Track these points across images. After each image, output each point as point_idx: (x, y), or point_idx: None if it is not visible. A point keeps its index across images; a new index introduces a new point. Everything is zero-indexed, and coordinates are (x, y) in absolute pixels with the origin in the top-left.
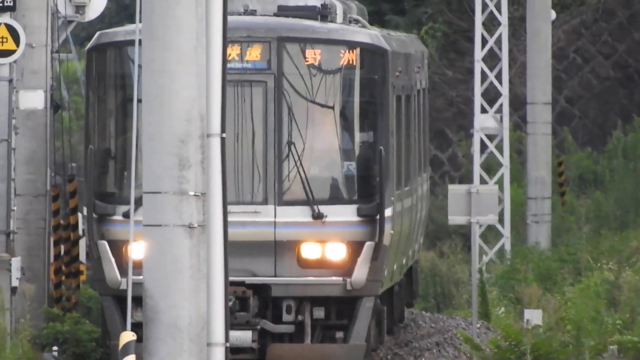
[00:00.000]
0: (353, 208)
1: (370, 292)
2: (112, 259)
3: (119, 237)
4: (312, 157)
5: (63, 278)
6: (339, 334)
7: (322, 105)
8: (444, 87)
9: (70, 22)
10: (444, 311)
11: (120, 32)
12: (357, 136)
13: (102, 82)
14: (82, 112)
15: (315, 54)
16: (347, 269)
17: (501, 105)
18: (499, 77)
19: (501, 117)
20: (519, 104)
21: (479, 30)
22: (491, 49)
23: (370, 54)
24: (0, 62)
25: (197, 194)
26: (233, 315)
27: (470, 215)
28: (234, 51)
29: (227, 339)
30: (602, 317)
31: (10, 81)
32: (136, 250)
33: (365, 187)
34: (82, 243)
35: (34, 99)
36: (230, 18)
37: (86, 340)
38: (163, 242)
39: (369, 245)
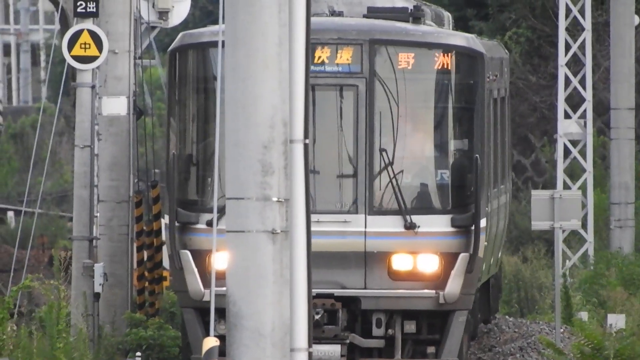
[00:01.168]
0: (447, 218)
1: (464, 306)
2: (195, 270)
3: (203, 246)
4: (404, 165)
5: (146, 284)
6: (431, 349)
7: (415, 111)
8: (527, 93)
9: (153, 28)
10: (527, 316)
11: (205, 33)
12: (452, 143)
13: (184, 85)
14: (165, 118)
15: (408, 57)
16: (439, 282)
17: (585, 110)
18: (582, 82)
19: (585, 123)
20: (602, 109)
21: (562, 35)
22: (575, 54)
23: (466, 58)
24: (83, 69)
25: (280, 199)
26: (321, 328)
27: (553, 220)
28: (324, 54)
29: (310, 344)
30: None
31: (93, 87)
32: (219, 261)
33: (460, 196)
34: (165, 249)
35: (117, 105)
36: (319, 19)
37: (169, 346)
38: (246, 248)
39: (463, 257)
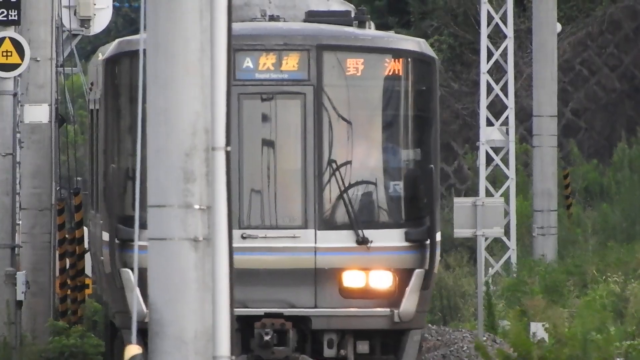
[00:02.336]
0: (400, 232)
1: (419, 325)
2: (137, 290)
3: (145, 264)
4: (355, 176)
5: (69, 292)
6: None
7: (366, 119)
8: (449, 100)
9: (75, 35)
10: (450, 324)
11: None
12: (404, 153)
13: (121, 94)
14: (87, 125)
15: (357, 63)
16: (394, 299)
17: (507, 117)
18: (504, 89)
19: (507, 130)
20: (524, 116)
21: (484, 42)
22: (497, 62)
23: (419, 63)
24: (4, 76)
25: (202, 207)
26: (271, 349)
27: (476, 227)
28: (268, 60)
29: (232, 352)
30: (608, 330)
31: (15, 95)
32: None
33: (414, 209)
34: (88, 257)
35: (39, 113)
36: (262, 24)
37: (92, 354)
38: (168, 255)
39: (418, 273)
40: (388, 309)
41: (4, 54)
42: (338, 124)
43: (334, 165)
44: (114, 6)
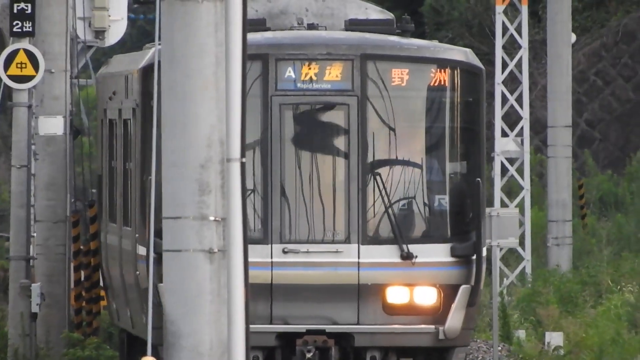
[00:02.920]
0: (446, 247)
1: (464, 342)
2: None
3: None
4: (399, 190)
5: (84, 304)
6: None
7: (411, 131)
8: None
9: (89, 47)
10: None
11: None
12: (450, 166)
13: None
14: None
15: (402, 73)
16: (439, 316)
17: (522, 128)
18: (519, 100)
19: (522, 141)
20: (539, 127)
21: (499, 53)
22: (512, 72)
23: (466, 74)
24: (19, 88)
25: (217, 218)
26: None
27: (491, 238)
28: (311, 70)
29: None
30: (623, 339)
31: (30, 107)
32: None
33: (459, 223)
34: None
35: (53, 125)
36: (306, 33)
37: None
38: (184, 267)
39: (464, 289)
40: (433, 326)
41: (19, 65)
42: (382, 136)
43: (378, 179)
44: (128, 18)
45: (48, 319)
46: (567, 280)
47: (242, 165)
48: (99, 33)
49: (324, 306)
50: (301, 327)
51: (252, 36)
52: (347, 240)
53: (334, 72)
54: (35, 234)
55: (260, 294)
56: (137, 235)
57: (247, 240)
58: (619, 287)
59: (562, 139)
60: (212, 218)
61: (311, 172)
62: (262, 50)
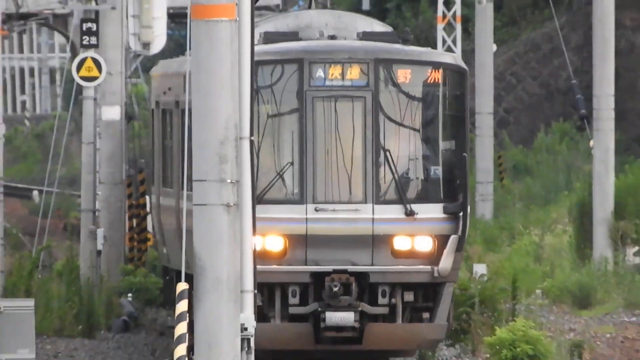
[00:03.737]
0: (440, 206)
1: (453, 279)
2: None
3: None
4: (404, 163)
5: (135, 244)
6: (425, 315)
7: (412, 117)
8: None
9: (138, 55)
10: None
11: (259, 52)
12: (442, 144)
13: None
14: (148, 122)
15: (406, 73)
16: (434, 259)
17: None
18: None
19: None
20: (470, 114)
21: None
22: None
23: (454, 73)
24: (87, 85)
25: (232, 181)
26: (338, 298)
27: None
28: (336, 70)
29: (255, 287)
30: (530, 269)
31: (95, 99)
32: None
33: (450, 188)
34: (149, 218)
35: (112, 113)
36: (331, 42)
37: (153, 289)
38: (209, 217)
39: (453, 238)
40: (429, 267)
41: (87, 69)
42: (391, 121)
43: (388, 154)
44: (167, 33)
45: (109, 255)
46: (490, 226)
47: (251, 142)
48: (145, 45)
49: (346, 252)
50: (329, 268)
51: (289, 44)
52: (363, 201)
53: (354, 72)
54: (99, 193)
55: (298, 243)
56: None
57: (255, 197)
58: (527, 231)
59: (486, 123)
60: (229, 181)
61: (336, 149)
62: (299, 55)
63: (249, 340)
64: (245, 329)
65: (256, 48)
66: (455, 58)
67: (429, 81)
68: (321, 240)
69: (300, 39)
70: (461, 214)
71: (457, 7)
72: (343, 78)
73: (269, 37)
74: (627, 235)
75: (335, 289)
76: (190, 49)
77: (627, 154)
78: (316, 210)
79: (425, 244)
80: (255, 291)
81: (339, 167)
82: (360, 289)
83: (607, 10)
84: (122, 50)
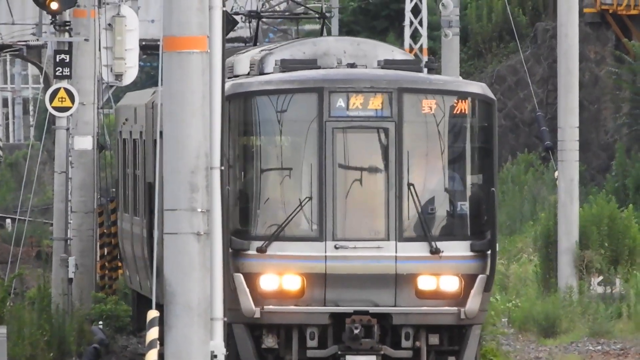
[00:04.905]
0: (466, 244)
1: (480, 320)
2: (247, 291)
3: (253, 270)
4: (428, 197)
5: (106, 272)
6: (451, 359)
7: (438, 150)
8: None
9: (111, 86)
10: None
11: (254, 83)
12: (469, 178)
13: (235, 128)
14: (118, 150)
15: (431, 103)
16: (460, 300)
17: None
18: None
19: None
20: None
21: None
22: None
23: (482, 104)
24: (60, 116)
25: (203, 210)
26: (359, 341)
27: None
28: (357, 100)
29: (225, 315)
30: (496, 298)
31: (68, 129)
32: (265, 282)
33: (477, 224)
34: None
35: (84, 142)
36: (353, 70)
37: (123, 317)
38: (179, 245)
39: (481, 278)
40: (456, 308)
41: (60, 99)
42: (415, 154)
43: (412, 188)
44: (139, 65)
45: (80, 283)
46: None
47: (221, 172)
48: (118, 76)
49: (368, 292)
50: (349, 309)
51: (307, 72)
52: (386, 238)
53: (376, 102)
54: (71, 221)
55: (317, 282)
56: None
57: (225, 226)
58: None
59: None
60: (199, 210)
61: (357, 183)
62: (318, 84)
63: None
64: (215, 356)
65: (273, 76)
66: (483, 88)
67: (455, 112)
68: (341, 280)
69: (319, 67)
70: (489, 251)
71: (424, 40)
72: (365, 108)
73: (286, 65)
74: (592, 265)
75: (356, 331)
76: (161, 80)
77: (591, 184)
78: (336, 247)
79: (451, 283)
80: (225, 319)
81: (360, 202)
82: (383, 331)
83: (571, 43)
84: (94, 81)
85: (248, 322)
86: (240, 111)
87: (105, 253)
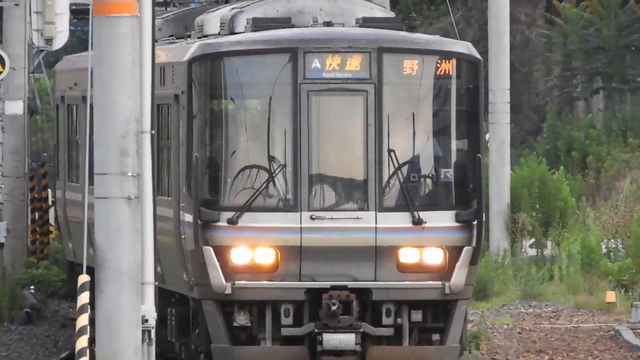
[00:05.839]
0: (451, 214)
1: (466, 296)
2: (218, 265)
3: (224, 242)
4: (410, 164)
5: (37, 236)
6: (435, 337)
7: (420, 114)
8: None
9: (41, 51)
10: None
11: (223, 43)
12: (454, 144)
13: (203, 92)
14: (51, 116)
15: (413, 64)
16: (445, 273)
17: None
18: None
19: None
20: None
21: None
22: None
23: (467, 64)
24: None
25: (133, 174)
26: (337, 318)
27: None
28: (334, 61)
29: (155, 279)
30: None
31: None
32: (237, 256)
33: (462, 193)
34: (51, 211)
35: (15, 107)
36: (330, 29)
37: (54, 281)
38: (110, 210)
39: (467, 250)
40: (440, 282)
41: None
42: (395, 118)
43: (392, 154)
44: (70, 29)
45: (12, 248)
46: None
47: (152, 135)
48: (48, 40)
49: (346, 265)
50: (326, 284)
51: (281, 32)
52: (365, 208)
53: (354, 63)
54: (2, 186)
55: (291, 255)
56: (182, 204)
57: (155, 190)
58: None
59: None
60: (130, 174)
61: (334, 150)
62: (292, 44)
63: (149, 331)
64: (146, 320)
65: (244, 36)
66: (468, 47)
67: (439, 73)
68: (318, 253)
69: (293, 26)
70: (475, 222)
71: None
72: (342, 69)
73: (258, 24)
74: (523, 227)
75: (333, 308)
76: (92, 44)
77: (522, 147)
78: (312, 218)
79: (435, 256)
80: (156, 283)
81: (337, 169)
82: (362, 308)
83: (501, 5)
84: (25, 46)
85: (218, 299)
86: (208, 73)
87: (37, 218)
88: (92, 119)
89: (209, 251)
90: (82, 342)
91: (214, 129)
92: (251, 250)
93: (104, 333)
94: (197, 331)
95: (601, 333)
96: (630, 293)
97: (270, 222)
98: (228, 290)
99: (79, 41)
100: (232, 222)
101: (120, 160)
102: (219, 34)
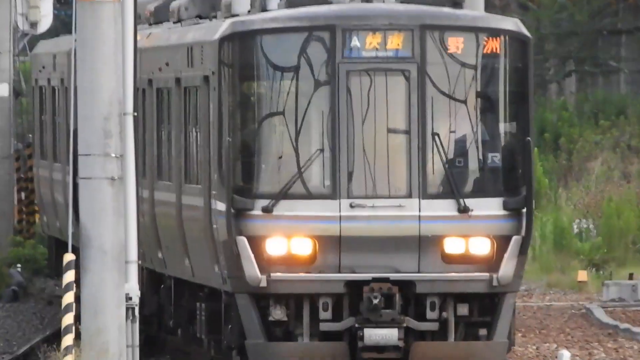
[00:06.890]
0: (499, 201)
1: (515, 288)
2: (252, 256)
3: (258, 232)
4: (456, 149)
5: (24, 216)
6: (482, 331)
7: (466, 95)
8: None
9: (26, 34)
10: None
11: (256, 21)
12: (502, 127)
13: (236, 73)
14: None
15: (458, 42)
16: (492, 265)
17: None
18: None
19: None
20: None
21: None
22: None
23: (515, 42)
24: None
25: (116, 155)
26: (379, 312)
27: None
28: (374, 39)
29: (138, 257)
30: None
31: None
32: (272, 246)
33: (511, 179)
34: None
35: (1, 89)
36: (368, 6)
37: (40, 260)
38: (93, 190)
39: (515, 240)
40: (487, 274)
41: None
42: (440, 99)
43: (436, 138)
44: (54, 13)
45: None
46: None
47: (135, 117)
48: (33, 24)
49: (388, 256)
50: (367, 276)
51: (317, 8)
52: (408, 196)
53: (396, 41)
54: None
55: (330, 246)
56: (214, 192)
57: (138, 171)
58: None
59: None
60: (113, 155)
61: (375, 133)
62: (330, 21)
63: (133, 309)
64: (130, 298)
65: (278, 13)
66: (517, 24)
67: (486, 51)
68: (358, 243)
69: (330, 2)
70: (525, 210)
71: None
72: (383, 48)
73: (293, 0)
74: None
75: (375, 301)
76: (75, 28)
77: None
78: (351, 206)
79: (482, 246)
80: (140, 262)
81: (378, 154)
82: (405, 301)
83: None
84: (10, 30)
85: (253, 292)
86: (240, 53)
87: (23, 197)
88: (56, 101)
89: (243, 241)
90: (68, 319)
91: (247, 112)
92: (287, 240)
93: (89, 309)
94: (229, 327)
95: (573, 311)
96: (601, 272)
97: (308, 211)
98: (263, 283)
99: (63, 25)
100: (267, 210)
101: (103, 141)
102: (249, 12)
